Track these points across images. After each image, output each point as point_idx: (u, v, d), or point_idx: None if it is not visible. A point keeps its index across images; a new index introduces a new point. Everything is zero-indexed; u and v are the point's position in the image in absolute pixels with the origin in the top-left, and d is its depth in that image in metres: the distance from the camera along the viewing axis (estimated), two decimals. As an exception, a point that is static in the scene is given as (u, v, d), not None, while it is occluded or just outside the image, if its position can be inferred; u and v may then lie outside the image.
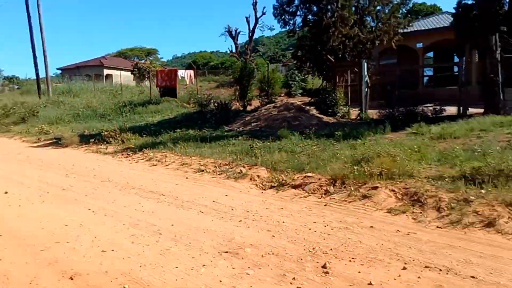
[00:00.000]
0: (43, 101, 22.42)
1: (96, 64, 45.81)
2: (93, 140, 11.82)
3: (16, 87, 40.94)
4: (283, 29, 16.87)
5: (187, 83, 21.10)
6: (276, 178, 6.74)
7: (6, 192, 6.66)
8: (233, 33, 32.80)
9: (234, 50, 32.79)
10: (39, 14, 23.23)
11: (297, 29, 15.13)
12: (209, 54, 67.31)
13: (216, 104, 15.25)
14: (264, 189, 6.53)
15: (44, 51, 23.99)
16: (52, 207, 5.77)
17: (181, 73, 20.61)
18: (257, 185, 6.80)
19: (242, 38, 36.57)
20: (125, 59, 51.78)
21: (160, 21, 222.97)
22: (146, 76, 29.07)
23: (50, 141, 13.46)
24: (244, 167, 7.73)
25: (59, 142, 12.63)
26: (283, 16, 15.00)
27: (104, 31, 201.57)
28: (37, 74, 25.00)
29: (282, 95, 20.89)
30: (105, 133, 11.73)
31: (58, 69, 51.18)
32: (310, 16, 14.77)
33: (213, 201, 5.88)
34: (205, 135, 11.12)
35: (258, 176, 7.16)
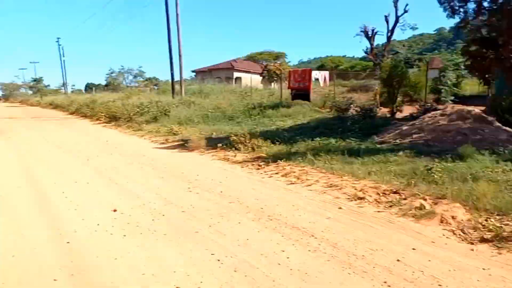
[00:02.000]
0: (175, 101, 22.51)
1: (227, 67, 46.72)
2: (220, 145, 10.43)
3: (156, 87, 43.67)
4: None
5: (321, 85, 19.09)
6: (490, 226, 4.24)
7: (115, 210, 5.31)
8: (370, 33, 29.89)
9: (369, 52, 29.89)
10: (176, 14, 23.47)
11: (469, 17, 11.97)
12: (338, 58, 64.59)
13: (357, 109, 12.91)
14: (471, 242, 4.10)
15: (179, 51, 24.28)
16: (162, 244, 4.13)
17: (314, 74, 18.72)
18: (454, 233, 4.37)
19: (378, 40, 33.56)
20: (254, 62, 51.97)
21: (290, 25, 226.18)
22: (275, 78, 27.90)
23: (177, 143, 12.53)
24: (425, 199, 5.33)
25: (185, 144, 11.59)
26: (451, 3, 11.99)
27: (235, 36, 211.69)
28: (172, 75, 25.48)
29: (430, 101, 17.70)
30: (234, 138, 10.24)
31: (192, 71, 53.70)
32: (486, 3, 11.57)
33: (398, 260, 3.66)
34: (352, 147, 8.89)
35: (452, 217, 4.72)
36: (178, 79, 25.79)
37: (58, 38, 51.26)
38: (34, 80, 54.48)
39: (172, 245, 4.10)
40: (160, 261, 3.68)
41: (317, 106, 16.76)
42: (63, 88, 58.13)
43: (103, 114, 22.63)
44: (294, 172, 7.55)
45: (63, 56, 50.37)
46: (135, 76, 73.09)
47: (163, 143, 12.97)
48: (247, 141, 10.03)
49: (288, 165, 8.05)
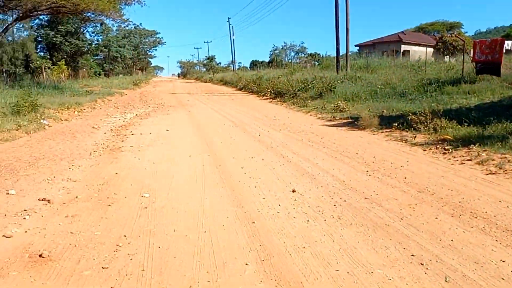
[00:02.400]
0: (340, 77, 21.84)
1: (393, 40, 43.66)
2: (396, 124, 9.50)
3: (317, 63, 43.49)
4: None
5: (516, 56, 16.05)
6: None
7: (293, 191, 5.07)
8: None
9: None
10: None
11: None
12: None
13: None
14: None
15: (347, 25, 23.31)
16: (350, 235, 3.68)
17: (507, 44, 15.82)
18: None
19: None
20: (424, 34, 47.44)
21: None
22: (451, 50, 24.77)
23: (346, 121, 11.97)
24: None
25: (355, 122, 10.95)
26: None
27: (403, 6, 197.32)
28: (337, 49, 24.74)
29: None
30: (412, 116, 9.18)
31: (356, 45, 51.83)
32: None
33: None
34: None
35: None
36: (342, 54, 24.99)
37: (228, 18, 55.09)
38: (208, 58, 59.85)
39: (362, 237, 3.62)
40: (352, 256, 3.24)
41: (509, 82, 14.12)
42: (231, 65, 62.71)
43: (268, 90, 23.38)
44: (493, 160, 6.29)
45: (233, 35, 53.91)
46: (297, 53, 74.46)
47: (330, 120, 12.57)
48: (428, 121, 8.89)
49: (484, 151, 6.77)
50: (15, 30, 40.75)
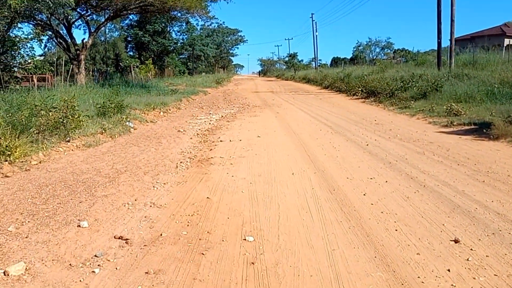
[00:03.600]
0: (443, 74, 19.27)
1: (495, 33, 38.92)
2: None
3: (403, 59, 40.25)
4: None
5: None
6: None
7: (456, 241, 3.51)
8: None
9: None
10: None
11: None
12: None
13: None
14: None
15: (452, 15, 20.56)
16: None
17: None
18: None
19: None
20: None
21: None
22: None
23: (467, 127, 9.92)
24: None
25: (484, 130, 8.94)
26: None
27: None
28: (439, 43, 21.96)
29: None
30: None
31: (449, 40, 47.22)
32: None
33: None
34: None
35: None
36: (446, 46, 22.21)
37: (312, 13, 53.25)
38: (289, 56, 58.52)
39: None
40: None
41: None
42: (312, 63, 60.79)
43: (359, 89, 21.48)
44: None
45: (316, 32, 52.01)
46: (382, 48, 70.34)
47: (446, 126, 10.56)
48: None
49: None
50: (107, 30, 42.77)
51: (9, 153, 5.70)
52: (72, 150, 7.47)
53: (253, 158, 6.97)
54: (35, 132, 7.07)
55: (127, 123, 10.55)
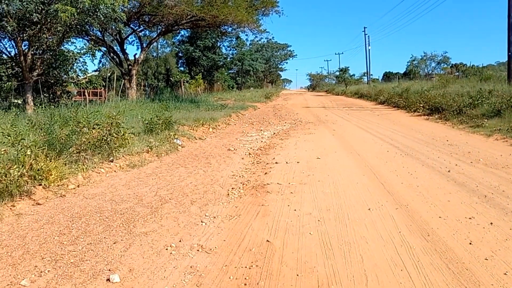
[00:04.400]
0: (515, 89, 17.36)
1: None
2: None
3: (459, 73, 37.91)
4: None
5: None
6: None
7: None
8: None
9: None
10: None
11: None
12: None
13: None
14: None
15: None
16: None
17: None
18: None
19: None
20: None
21: None
22: None
23: None
24: None
25: None
26: None
27: None
28: (509, 56, 20.05)
29: None
30: None
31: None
32: None
33: None
34: None
35: None
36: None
37: (364, 27, 51.80)
38: (340, 70, 57.03)
39: None
40: None
41: None
42: (363, 77, 58.90)
43: (420, 105, 19.88)
44: None
45: (369, 46, 50.37)
46: (438, 63, 67.10)
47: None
48: None
49: None
50: (159, 46, 43.55)
51: (42, 177, 5.05)
52: (115, 171, 6.82)
53: (316, 186, 5.95)
54: (75, 151, 6.47)
55: (175, 140, 9.90)
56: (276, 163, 7.81)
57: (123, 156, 7.55)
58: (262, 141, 11.15)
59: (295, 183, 6.14)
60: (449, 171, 6.91)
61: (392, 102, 25.34)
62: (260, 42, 59.16)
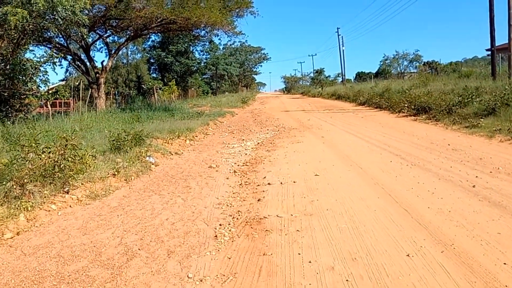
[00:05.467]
0: (504, 86, 16.72)
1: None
2: None
3: (431, 71, 37.91)
4: None
5: None
6: None
7: None
8: None
9: None
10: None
11: None
12: None
13: None
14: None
15: (509, 18, 18.10)
16: None
17: None
18: None
19: None
20: None
21: None
22: None
23: None
24: None
25: None
26: None
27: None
28: (492, 51, 19.63)
29: None
30: None
31: (487, 50, 44.37)
32: None
33: None
34: None
35: None
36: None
37: (337, 28, 51.38)
38: (316, 72, 56.38)
39: None
40: None
41: None
42: (338, 78, 58.49)
43: (405, 105, 19.07)
44: None
45: (343, 46, 49.91)
46: (410, 61, 67.49)
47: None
48: None
49: None
50: (129, 52, 41.76)
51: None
52: (70, 205, 5.45)
53: (326, 218, 4.75)
54: (17, 184, 5.07)
55: (147, 158, 8.55)
56: (269, 184, 6.58)
57: (82, 184, 6.18)
58: (246, 154, 9.92)
59: (298, 214, 4.91)
60: (474, 186, 5.85)
61: (373, 103, 24.55)
62: (233, 46, 58.06)
